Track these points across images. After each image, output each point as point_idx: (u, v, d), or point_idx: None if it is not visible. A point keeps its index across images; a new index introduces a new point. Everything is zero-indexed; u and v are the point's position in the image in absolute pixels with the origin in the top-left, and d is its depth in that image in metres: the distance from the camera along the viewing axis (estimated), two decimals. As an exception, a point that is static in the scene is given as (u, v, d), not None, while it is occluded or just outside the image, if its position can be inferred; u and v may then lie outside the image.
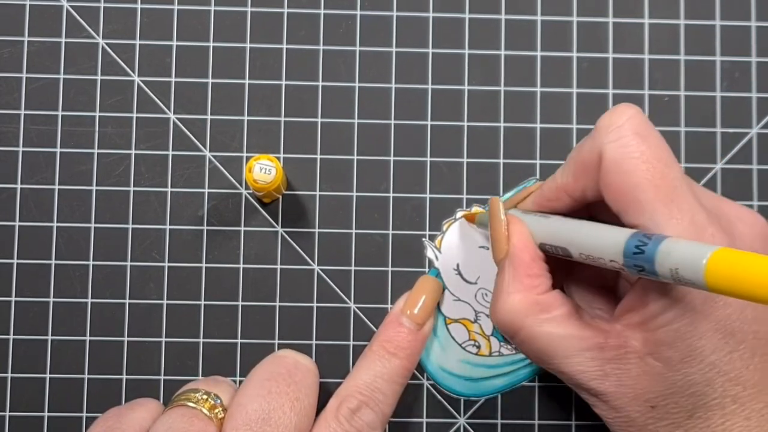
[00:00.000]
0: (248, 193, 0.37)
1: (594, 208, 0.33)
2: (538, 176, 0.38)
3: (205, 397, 0.31)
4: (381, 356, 0.33)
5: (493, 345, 0.37)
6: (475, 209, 0.37)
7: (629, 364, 0.29)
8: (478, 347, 0.37)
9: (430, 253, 0.37)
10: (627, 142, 0.29)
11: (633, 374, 0.29)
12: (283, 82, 0.38)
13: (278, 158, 0.37)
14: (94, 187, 0.37)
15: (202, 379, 0.33)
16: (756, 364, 0.28)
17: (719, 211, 0.30)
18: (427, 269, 0.37)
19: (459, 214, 0.37)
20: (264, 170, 0.34)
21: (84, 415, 0.36)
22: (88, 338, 0.37)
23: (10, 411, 0.36)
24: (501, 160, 0.38)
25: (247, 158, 0.37)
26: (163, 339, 0.37)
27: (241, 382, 0.37)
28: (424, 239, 0.37)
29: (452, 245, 0.37)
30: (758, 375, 0.28)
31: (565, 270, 0.34)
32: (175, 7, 0.38)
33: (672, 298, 0.28)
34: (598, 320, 0.31)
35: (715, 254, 0.24)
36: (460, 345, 0.37)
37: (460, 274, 0.37)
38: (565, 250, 0.31)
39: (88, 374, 0.36)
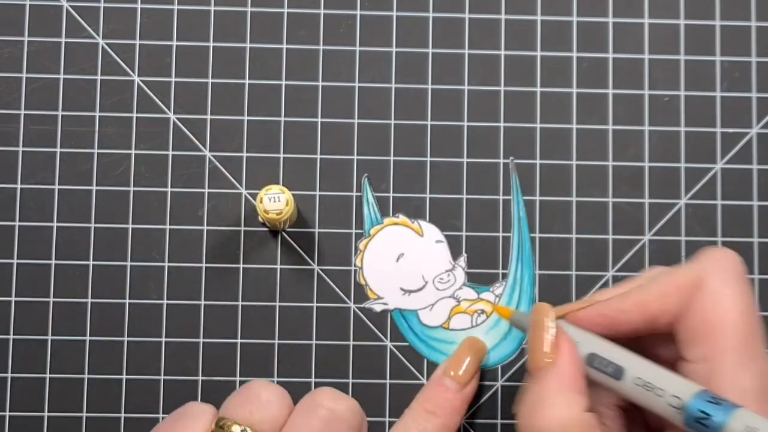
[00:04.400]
0: (248, 194, 0.37)
1: (645, 342, 0.31)
2: (538, 176, 0.38)
3: None
4: (420, 415, 0.34)
5: (488, 297, 0.37)
6: (401, 218, 0.37)
7: None
8: (483, 311, 0.37)
9: (375, 306, 0.37)
10: (730, 280, 0.29)
11: None
12: (283, 82, 0.38)
13: (278, 158, 0.37)
14: (94, 187, 0.37)
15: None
16: None
17: None
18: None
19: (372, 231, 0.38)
20: (273, 199, 0.34)
21: (84, 415, 0.36)
22: (88, 338, 0.37)
23: (10, 411, 0.36)
24: (501, 160, 0.38)
25: (247, 158, 0.37)
26: (163, 339, 0.37)
27: (241, 382, 0.37)
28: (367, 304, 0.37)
29: (378, 281, 0.37)
30: None
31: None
32: (175, 7, 0.38)
33: None
34: None
35: None
36: (474, 326, 0.37)
37: (407, 292, 0.37)
38: (619, 369, 0.29)
39: (88, 374, 0.36)
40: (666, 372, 0.29)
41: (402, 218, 0.38)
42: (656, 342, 0.30)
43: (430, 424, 0.33)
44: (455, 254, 0.37)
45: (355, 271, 0.37)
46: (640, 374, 0.29)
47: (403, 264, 0.37)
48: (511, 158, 0.38)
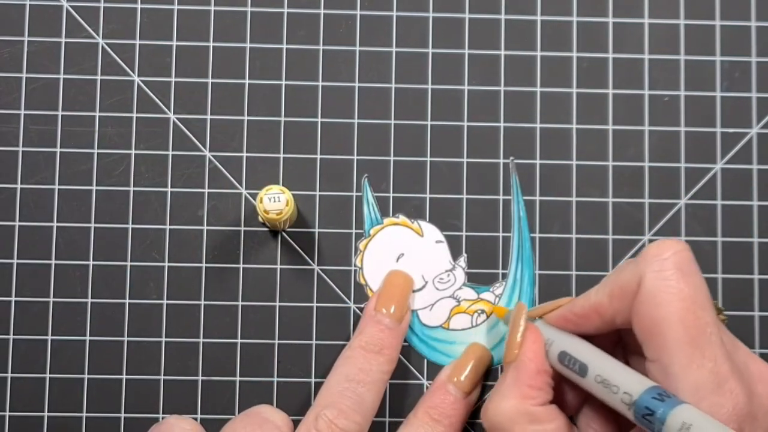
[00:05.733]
0: (248, 194, 0.37)
1: (624, 334, 0.33)
2: (538, 177, 0.38)
3: None
4: (425, 422, 0.34)
5: (487, 297, 0.37)
6: (401, 218, 0.37)
7: None
8: (483, 311, 0.37)
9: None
10: (667, 276, 0.29)
11: None
12: (283, 82, 0.38)
13: (278, 158, 0.38)
14: (94, 187, 0.37)
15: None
16: None
17: (745, 367, 0.29)
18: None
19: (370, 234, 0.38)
20: (273, 199, 0.34)
21: (84, 415, 0.36)
22: (88, 338, 0.37)
23: (10, 411, 0.36)
24: (501, 160, 0.38)
25: (248, 158, 0.37)
26: (163, 339, 0.37)
27: (241, 383, 0.37)
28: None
29: (378, 280, 0.37)
30: None
31: (581, 397, 0.33)
32: (175, 7, 0.38)
33: None
34: None
35: None
36: (473, 326, 0.37)
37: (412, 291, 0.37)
38: (583, 367, 0.31)
39: (88, 374, 0.36)
40: (625, 370, 0.30)
41: (402, 218, 0.38)
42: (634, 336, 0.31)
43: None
44: (455, 254, 0.37)
45: (355, 271, 0.37)
46: (600, 372, 0.30)
47: (403, 264, 0.37)
48: (511, 158, 0.38)
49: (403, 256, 0.37)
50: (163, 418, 0.36)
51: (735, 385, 0.28)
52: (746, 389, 0.28)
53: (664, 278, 0.29)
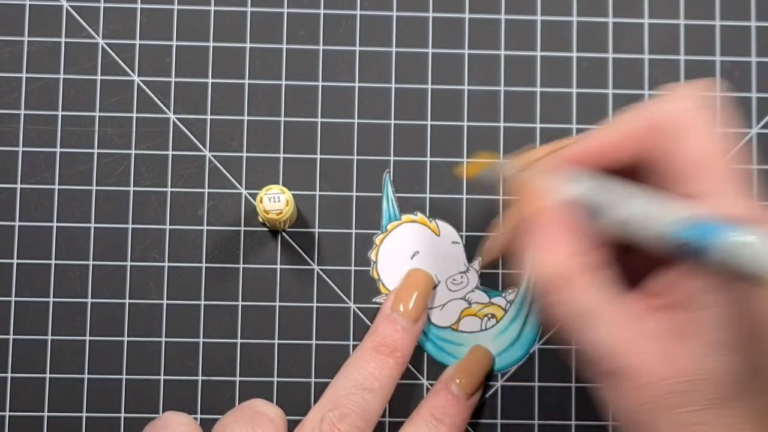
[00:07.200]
0: (248, 194, 0.37)
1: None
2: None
3: None
4: (428, 422, 0.34)
5: (499, 303, 0.37)
6: (420, 216, 0.37)
7: (675, 341, 0.26)
8: (493, 315, 0.37)
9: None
10: (708, 116, 0.28)
11: (675, 352, 0.26)
12: (283, 82, 0.38)
13: (278, 158, 0.38)
14: (94, 187, 0.37)
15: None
16: None
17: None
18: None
19: (377, 239, 0.38)
20: (273, 199, 0.34)
21: (84, 415, 0.36)
22: (88, 338, 0.37)
23: (10, 411, 0.36)
24: (501, 161, 0.38)
25: (248, 158, 0.37)
26: (163, 339, 0.37)
27: (241, 383, 0.37)
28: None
29: (391, 276, 0.37)
30: None
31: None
32: (175, 7, 0.38)
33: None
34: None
35: None
36: (482, 330, 0.37)
37: None
38: (604, 213, 0.28)
39: (88, 374, 0.36)
40: (661, 200, 0.27)
41: (420, 216, 0.38)
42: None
43: (439, 431, 0.34)
44: (470, 256, 0.37)
45: (371, 266, 0.37)
46: (632, 212, 0.27)
47: (417, 262, 0.37)
48: None
49: (418, 254, 0.37)
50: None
51: None
52: None
53: (706, 117, 0.28)
